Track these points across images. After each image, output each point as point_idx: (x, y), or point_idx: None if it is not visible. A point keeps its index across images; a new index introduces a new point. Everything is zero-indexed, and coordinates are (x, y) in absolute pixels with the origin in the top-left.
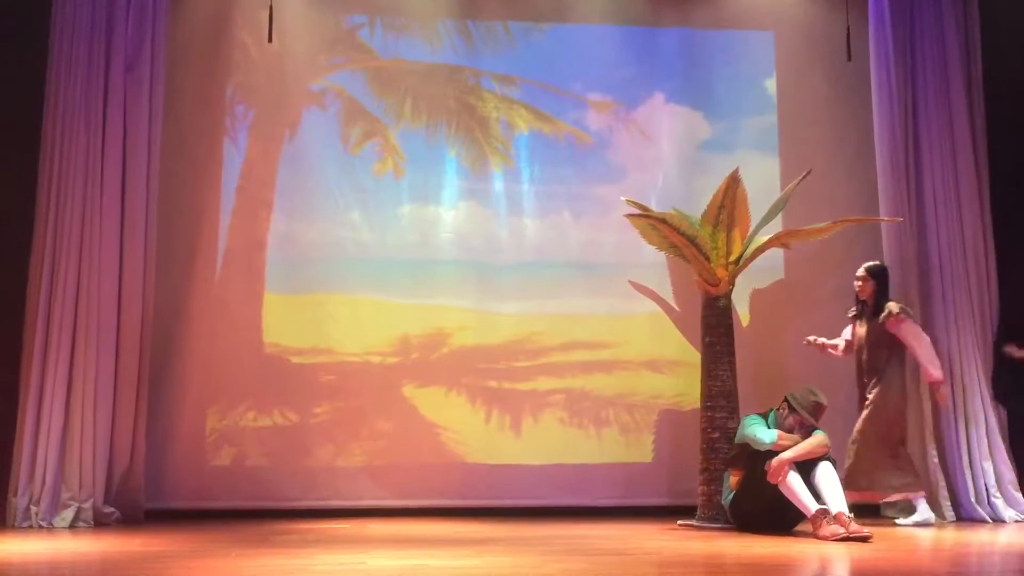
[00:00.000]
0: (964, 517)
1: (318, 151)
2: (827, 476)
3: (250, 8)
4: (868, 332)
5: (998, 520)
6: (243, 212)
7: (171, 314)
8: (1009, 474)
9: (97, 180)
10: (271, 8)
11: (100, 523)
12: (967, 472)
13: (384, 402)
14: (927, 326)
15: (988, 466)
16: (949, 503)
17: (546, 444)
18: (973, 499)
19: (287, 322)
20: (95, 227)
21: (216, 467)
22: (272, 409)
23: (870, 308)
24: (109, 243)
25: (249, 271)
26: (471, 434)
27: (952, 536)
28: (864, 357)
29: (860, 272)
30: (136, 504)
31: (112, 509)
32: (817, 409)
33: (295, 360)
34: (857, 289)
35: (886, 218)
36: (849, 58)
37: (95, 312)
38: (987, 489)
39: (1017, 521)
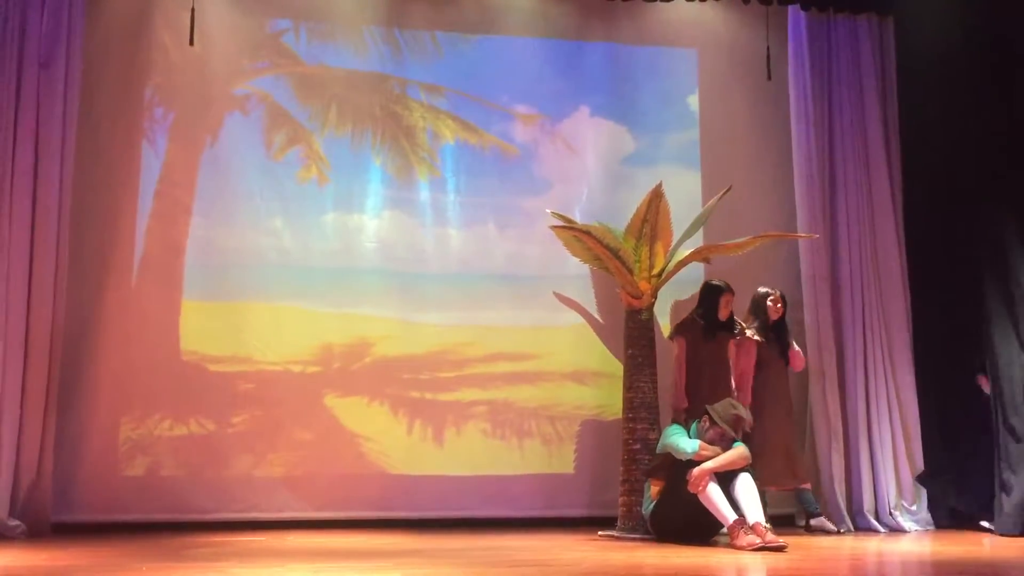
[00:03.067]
0: (861, 527)
1: (240, 156)
2: (746, 487)
3: (172, 9)
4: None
5: (897, 530)
6: (161, 216)
7: (84, 320)
8: (912, 489)
9: (7, 181)
10: (193, 10)
11: (4, 537)
12: (868, 485)
13: (304, 412)
14: (837, 341)
15: (891, 480)
16: (846, 513)
17: (468, 455)
18: (871, 510)
19: (206, 330)
20: (3, 229)
21: (129, 478)
22: (188, 418)
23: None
24: (18, 245)
25: (166, 277)
26: (393, 445)
27: (867, 546)
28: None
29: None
30: (43, 517)
31: (17, 522)
32: (737, 422)
33: (213, 368)
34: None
35: (802, 234)
36: (769, 77)
37: (2, 317)
38: (889, 502)
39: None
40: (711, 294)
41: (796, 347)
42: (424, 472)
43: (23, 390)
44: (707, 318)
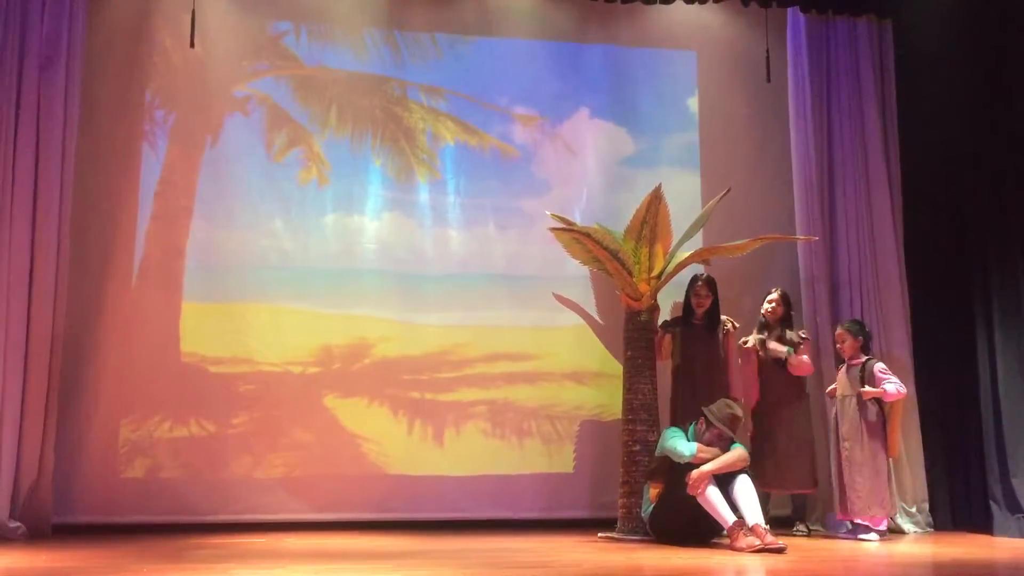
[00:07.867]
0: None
1: (240, 158)
2: (745, 489)
3: (172, 11)
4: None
5: (896, 532)
6: (161, 218)
7: (84, 322)
8: (912, 491)
9: (8, 183)
10: (193, 12)
11: (4, 538)
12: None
13: (304, 413)
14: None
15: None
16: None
17: (468, 456)
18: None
19: (206, 331)
20: (4, 231)
21: (128, 479)
22: (188, 420)
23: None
24: (19, 248)
25: (167, 279)
26: (393, 445)
27: (866, 548)
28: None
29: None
30: (43, 518)
31: (18, 524)
32: (733, 421)
33: (213, 369)
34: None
35: (801, 236)
36: (769, 80)
37: (3, 319)
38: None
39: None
40: (688, 286)
41: (795, 355)
42: (424, 473)
43: (23, 392)
44: (683, 310)
